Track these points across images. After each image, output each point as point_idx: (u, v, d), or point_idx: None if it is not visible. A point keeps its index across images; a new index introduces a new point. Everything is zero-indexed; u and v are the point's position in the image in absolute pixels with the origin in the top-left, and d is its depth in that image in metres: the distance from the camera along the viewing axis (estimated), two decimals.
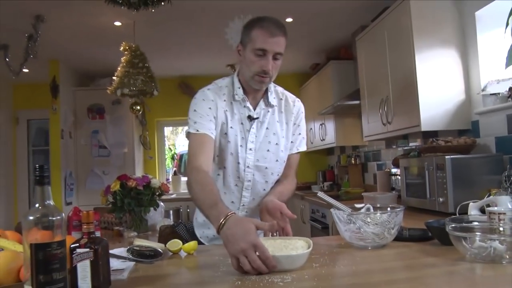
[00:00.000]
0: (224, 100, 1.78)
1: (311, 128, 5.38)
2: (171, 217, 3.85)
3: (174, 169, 6.11)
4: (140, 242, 1.62)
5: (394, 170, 3.19)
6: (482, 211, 1.94)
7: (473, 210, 1.88)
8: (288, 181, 1.94)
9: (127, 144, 5.11)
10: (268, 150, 1.82)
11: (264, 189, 1.84)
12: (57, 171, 4.66)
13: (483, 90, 2.56)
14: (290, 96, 1.95)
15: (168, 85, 5.53)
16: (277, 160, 1.86)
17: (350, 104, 3.80)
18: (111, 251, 1.65)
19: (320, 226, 3.89)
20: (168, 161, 6.16)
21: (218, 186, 1.78)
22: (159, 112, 5.81)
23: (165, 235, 2.58)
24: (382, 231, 1.56)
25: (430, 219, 1.98)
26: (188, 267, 1.47)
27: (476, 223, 1.50)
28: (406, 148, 3.55)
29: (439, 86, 2.68)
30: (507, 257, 1.30)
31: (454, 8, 2.72)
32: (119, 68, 3.56)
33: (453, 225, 1.42)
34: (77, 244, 1.11)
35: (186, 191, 5.56)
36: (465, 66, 2.70)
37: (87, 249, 1.11)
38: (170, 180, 5.87)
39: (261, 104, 1.81)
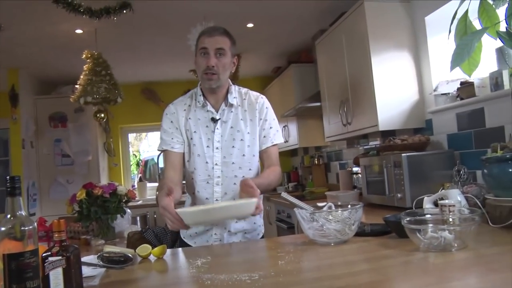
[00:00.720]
0: (184, 110, 1.98)
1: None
2: (138, 223, 3.84)
3: (140, 175, 6.09)
4: (110, 249, 1.65)
5: (355, 169, 3.32)
6: (436, 204, 2.07)
7: (427, 204, 2.00)
8: (270, 169, 2.03)
9: (91, 152, 5.04)
10: (233, 147, 1.96)
11: (235, 183, 1.92)
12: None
13: (434, 90, 2.71)
14: (253, 94, 2.06)
15: (131, 91, 5.50)
16: (243, 155, 1.97)
17: (311, 106, 3.91)
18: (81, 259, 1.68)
19: (286, 226, 3.98)
20: (133, 168, 6.12)
21: (192, 185, 2.02)
22: (122, 118, 5.77)
23: (134, 241, 2.60)
24: (343, 227, 1.65)
25: (389, 215, 2.10)
26: (158, 270, 1.51)
27: (429, 215, 1.61)
28: (366, 147, 3.69)
29: (394, 87, 2.81)
30: (456, 245, 1.41)
31: (406, 13, 2.87)
32: (81, 76, 3.53)
33: (408, 219, 1.53)
34: (49, 253, 1.14)
35: (152, 197, 5.50)
36: (418, 68, 2.85)
37: (59, 257, 1.14)
38: (136, 186, 5.83)
39: (222, 105, 1.97)
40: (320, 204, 1.87)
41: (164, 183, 1.79)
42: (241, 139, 1.97)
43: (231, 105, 1.97)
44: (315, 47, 3.92)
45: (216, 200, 1.95)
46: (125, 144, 5.98)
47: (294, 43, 4.64)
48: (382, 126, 2.78)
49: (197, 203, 1.99)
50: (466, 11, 1.52)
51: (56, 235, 1.17)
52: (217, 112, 1.96)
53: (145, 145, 7.43)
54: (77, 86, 3.55)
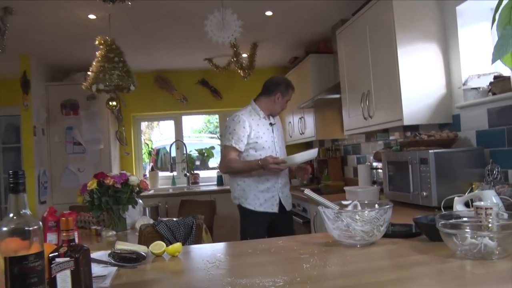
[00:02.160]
0: (252, 119, 2.97)
1: (289, 122, 5.35)
2: (149, 215, 3.76)
3: (151, 164, 6.01)
4: (121, 246, 1.55)
5: (375, 164, 3.19)
6: (467, 205, 1.95)
7: (458, 204, 1.88)
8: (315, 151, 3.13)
9: (102, 140, 4.97)
10: (281, 141, 3.16)
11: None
12: (30, 170, 4.50)
13: (464, 84, 2.57)
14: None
15: (144, 80, 5.41)
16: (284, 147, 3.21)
17: (330, 98, 3.78)
18: (91, 255, 1.58)
19: (301, 221, 3.87)
20: (145, 157, 6.04)
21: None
22: (135, 107, 5.68)
23: (146, 234, 2.52)
24: (372, 229, 1.54)
25: (414, 214, 1.97)
26: (173, 271, 1.41)
27: (465, 218, 1.48)
28: (386, 141, 3.56)
29: (421, 80, 2.67)
30: (497, 253, 1.29)
31: (436, 3, 2.72)
32: (94, 63, 3.43)
33: (443, 222, 1.41)
34: (56, 253, 1.04)
35: (164, 186, 5.46)
36: (446, 61, 2.70)
37: (67, 258, 1.04)
38: (148, 176, 5.76)
39: (271, 118, 3.10)
40: (345, 202, 1.76)
41: (244, 160, 2.92)
42: (281, 137, 3.18)
43: (273, 116, 3.13)
44: (335, 37, 3.78)
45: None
46: (137, 132, 5.90)
47: (313, 33, 4.49)
48: (407, 121, 2.65)
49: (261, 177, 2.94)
50: None
51: (64, 234, 1.07)
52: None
53: (156, 134, 7.34)
54: (89, 73, 3.46)
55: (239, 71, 4.76)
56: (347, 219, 1.54)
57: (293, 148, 5.82)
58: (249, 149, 2.92)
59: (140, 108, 5.76)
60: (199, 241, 2.83)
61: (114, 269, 1.40)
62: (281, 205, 2.98)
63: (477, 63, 2.57)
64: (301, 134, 4.88)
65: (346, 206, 1.75)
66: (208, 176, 5.95)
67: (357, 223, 1.55)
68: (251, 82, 5.42)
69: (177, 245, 1.59)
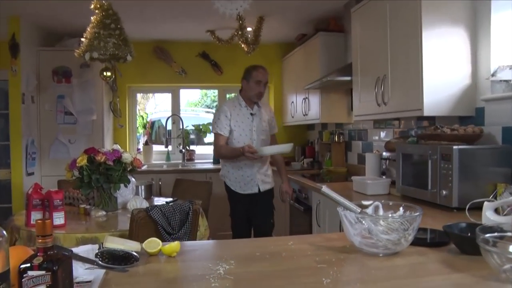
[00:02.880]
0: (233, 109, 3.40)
1: (292, 102, 5.12)
2: (142, 193, 3.56)
3: (146, 137, 5.78)
4: (111, 243, 1.35)
5: (385, 154, 2.99)
6: (497, 211, 1.76)
7: (488, 210, 1.69)
8: (279, 158, 3.66)
9: (95, 111, 4.71)
10: (262, 130, 3.46)
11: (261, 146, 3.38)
12: (18, 139, 4.26)
13: (492, 75, 2.35)
14: (265, 103, 3.67)
15: (142, 49, 5.13)
16: (266, 136, 3.50)
17: (340, 80, 3.55)
18: (75, 250, 1.38)
19: (302, 208, 3.70)
20: (139, 129, 5.80)
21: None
22: (131, 77, 5.41)
23: (138, 219, 2.32)
24: (399, 238, 1.34)
25: (433, 214, 1.78)
26: (170, 278, 1.21)
27: (510, 234, 1.29)
28: (399, 130, 3.35)
29: (445, 68, 2.44)
30: None
31: None
32: (88, 29, 3.16)
33: (484, 237, 1.21)
34: (29, 264, 0.84)
35: (159, 162, 5.25)
36: (474, 48, 2.47)
37: (43, 272, 0.84)
38: (141, 150, 5.54)
39: (255, 107, 3.45)
40: (365, 203, 1.56)
41: (233, 147, 3.31)
42: (264, 126, 3.48)
43: (259, 106, 3.47)
44: (349, 15, 3.53)
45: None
46: (132, 104, 5.65)
47: (324, 10, 4.22)
48: (428, 111, 2.43)
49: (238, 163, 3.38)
50: None
51: (40, 240, 0.87)
52: (252, 109, 3.43)
53: (151, 105, 7.08)
54: (83, 39, 3.19)
55: (243, 45, 4.50)
56: (371, 225, 1.34)
57: (294, 129, 5.63)
58: (229, 136, 3.37)
59: (136, 79, 5.49)
60: (195, 227, 2.64)
61: (101, 272, 1.20)
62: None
63: (510, 53, 2.35)
64: (304, 115, 4.67)
65: (367, 206, 1.56)
66: (204, 153, 5.74)
67: (378, 226, 1.36)
68: (254, 57, 5.16)
69: (175, 245, 1.38)
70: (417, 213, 1.37)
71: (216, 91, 5.97)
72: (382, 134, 3.66)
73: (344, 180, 3.71)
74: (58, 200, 2.55)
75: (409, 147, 2.45)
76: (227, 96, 5.90)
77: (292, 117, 5.15)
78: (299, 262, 1.32)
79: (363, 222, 1.35)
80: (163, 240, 2.38)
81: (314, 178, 3.85)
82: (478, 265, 1.26)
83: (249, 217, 3.47)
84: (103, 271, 1.21)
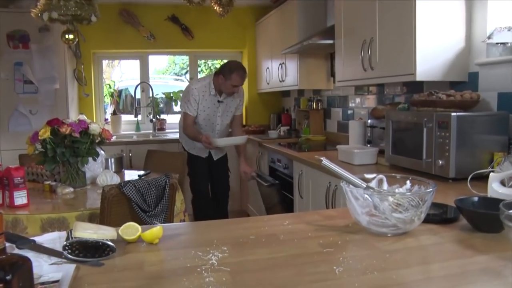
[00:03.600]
0: (203, 94, 3.47)
1: (267, 68, 4.90)
2: (113, 166, 3.32)
3: (113, 107, 5.46)
4: (81, 232, 1.15)
5: (370, 122, 2.86)
6: (503, 183, 1.64)
7: (494, 182, 1.57)
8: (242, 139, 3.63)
9: (58, 79, 4.35)
10: (226, 116, 3.62)
11: (224, 128, 3.68)
12: None
13: (488, 38, 2.21)
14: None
15: (107, 12, 4.74)
16: (228, 119, 3.66)
17: (321, 44, 3.35)
18: (38, 239, 1.18)
19: (281, 182, 3.56)
20: (106, 99, 5.47)
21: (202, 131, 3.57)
22: (96, 43, 5.04)
23: (110, 197, 2.11)
24: (412, 217, 1.20)
25: (461, 196, 1.65)
26: (155, 272, 1.03)
27: None
28: (384, 97, 3.21)
29: (438, 30, 2.27)
30: None
31: None
32: None
33: (509, 214, 1.08)
34: None
35: (128, 132, 5.01)
36: (469, 9, 2.31)
37: None
38: (109, 120, 5.24)
39: (224, 95, 3.50)
40: (368, 176, 1.40)
41: (198, 132, 3.49)
42: (229, 112, 3.64)
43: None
44: None
45: (217, 133, 3.64)
46: (98, 71, 5.29)
47: None
48: (421, 76, 2.28)
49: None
50: None
51: None
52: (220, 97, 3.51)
53: (117, 73, 6.70)
54: None
55: (215, 7, 4.21)
56: (380, 202, 1.19)
57: (269, 96, 5.43)
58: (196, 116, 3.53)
59: (102, 45, 5.13)
60: (172, 203, 2.46)
61: (71, 268, 1.00)
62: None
63: (507, 14, 2.21)
64: (280, 81, 4.47)
65: (369, 180, 1.40)
66: (175, 122, 5.47)
67: (384, 203, 1.21)
68: (226, 22, 4.92)
69: (157, 230, 1.20)
70: (430, 189, 1.23)
71: (186, 57, 5.66)
72: (364, 101, 3.52)
73: (323, 149, 3.57)
74: (19, 178, 2.30)
75: (401, 114, 2.31)
76: (198, 62, 5.63)
77: (268, 83, 4.94)
78: (302, 247, 1.16)
79: (371, 199, 1.20)
80: (138, 218, 2.19)
81: (291, 146, 3.69)
82: (498, 245, 1.14)
83: (207, 177, 3.74)
84: (73, 266, 1.02)
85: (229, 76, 3.34)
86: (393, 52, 2.48)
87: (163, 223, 2.25)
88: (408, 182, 1.37)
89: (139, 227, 1.22)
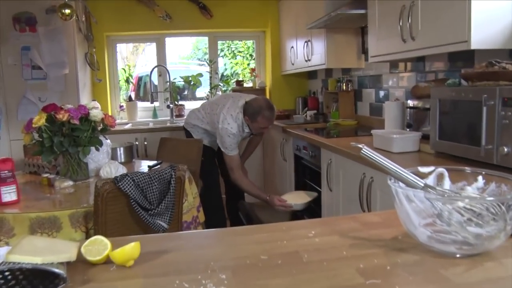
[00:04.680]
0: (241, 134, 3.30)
1: (292, 47, 4.50)
2: (122, 157, 3.03)
3: (132, 93, 5.19)
4: (19, 255, 0.81)
5: (411, 102, 2.46)
6: None
7: None
8: (257, 143, 3.91)
9: (68, 64, 4.09)
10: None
11: None
12: None
13: None
14: None
15: None
16: None
17: (352, 14, 2.93)
18: None
19: (309, 171, 3.20)
20: (122, 84, 5.18)
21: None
22: (109, 25, 4.74)
23: (104, 193, 1.79)
24: (498, 231, 0.82)
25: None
26: None
27: None
28: (425, 73, 2.78)
29: None
30: None
31: None
32: None
33: None
34: None
35: (144, 119, 4.69)
36: None
37: None
38: (124, 107, 4.96)
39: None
40: (423, 170, 1.03)
41: (257, 190, 3.36)
42: None
43: None
44: None
45: None
46: (112, 56, 5.00)
47: None
48: (476, 43, 1.86)
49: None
50: None
51: None
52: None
53: (142, 60, 6.41)
54: None
55: None
56: (453, 213, 0.82)
57: (294, 78, 5.03)
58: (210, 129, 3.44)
59: (115, 27, 4.83)
60: (180, 198, 2.13)
61: None
62: None
63: None
64: (306, 61, 4.07)
65: (425, 175, 1.03)
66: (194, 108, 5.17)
67: (458, 215, 0.84)
68: None
69: (131, 248, 0.86)
70: None
71: (206, 39, 5.31)
72: (401, 79, 3.10)
73: (354, 134, 3.19)
74: (6, 172, 2.03)
75: (452, 91, 1.90)
76: (219, 43, 5.28)
77: (292, 64, 4.55)
78: (334, 275, 0.80)
79: (443, 207, 0.83)
80: (139, 218, 1.88)
81: (318, 132, 3.31)
82: None
83: (218, 165, 3.60)
84: None
85: (255, 120, 3.13)
86: (440, 17, 2.05)
87: (169, 223, 1.93)
88: (480, 178, 1.00)
89: (108, 243, 0.89)
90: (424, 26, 2.19)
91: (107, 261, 0.87)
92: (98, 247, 0.88)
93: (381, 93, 3.41)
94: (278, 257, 0.89)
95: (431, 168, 1.03)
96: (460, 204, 0.86)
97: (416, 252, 0.89)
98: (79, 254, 0.87)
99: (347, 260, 0.87)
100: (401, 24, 2.35)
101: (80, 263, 0.85)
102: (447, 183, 1.03)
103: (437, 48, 2.11)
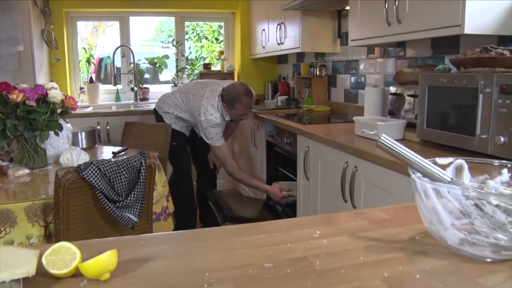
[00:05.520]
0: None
1: (263, 30, 4.34)
2: (83, 142, 2.80)
3: (93, 75, 4.88)
4: None
5: (392, 89, 2.36)
6: None
7: None
8: (233, 129, 3.84)
9: (22, 40, 3.77)
10: None
11: None
12: None
13: None
14: None
15: None
16: None
17: None
18: None
19: (281, 159, 3.08)
20: (83, 65, 4.87)
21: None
22: (68, 0, 4.42)
23: (66, 184, 1.59)
24: None
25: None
26: None
27: None
28: (406, 58, 2.70)
29: None
30: None
31: None
32: None
33: None
34: None
35: (107, 103, 4.40)
36: None
37: None
38: (85, 89, 4.66)
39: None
40: (440, 160, 0.91)
41: (254, 181, 3.20)
42: None
43: None
44: None
45: None
46: (72, 34, 4.67)
47: None
48: (470, 27, 1.77)
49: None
50: None
51: None
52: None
53: (102, 41, 6.05)
54: None
55: None
56: (498, 214, 0.70)
57: (264, 62, 4.87)
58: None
59: (75, 3, 4.50)
60: (151, 187, 1.95)
61: None
62: None
63: None
64: (279, 44, 3.92)
65: (443, 167, 0.91)
66: (159, 92, 4.91)
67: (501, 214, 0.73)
68: None
69: (106, 258, 0.70)
70: None
71: (172, 19, 5.04)
72: (380, 65, 3.00)
73: (327, 121, 3.08)
74: None
75: (443, 78, 1.80)
76: (186, 24, 5.04)
77: (263, 47, 4.39)
78: (358, 287, 0.67)
79: (485, 206, 0.71)
80: (105, 211, 1.69)
81: (290, 118, 3.19)
82: None
83: (190, 152, 3.47)
84: None
85: (233, 107, 3.00)
86: (429, 0, 1.95)
87: (139, 216, 1.75)
88: (505, 171, 0.89)
89: (77, 252, 0.72)
90: (412, 9, 2.08)
91: (76, 274, 0.70)
92: (64, 256, 0.71)
93: (357, 79, 3.31)
94: (285, 264, 0.75)
95: (450, 160, 0.92)
96: (493, 201, 0.74)
97: (443, 256, 0.78)
98: (39, 265, 0.69)
99: (367, 267, 0.74)
100: (386, 6, 2.23)
101: (41, 278, 0.68)
102: (466, 177, 0.91)
103: (425, 32, 2.02)
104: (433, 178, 0.80)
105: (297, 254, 0.79)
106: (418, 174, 0.80)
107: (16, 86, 2.20)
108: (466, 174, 0.91)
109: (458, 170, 0.92)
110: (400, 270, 0.72)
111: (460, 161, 0.92)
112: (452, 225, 0.74)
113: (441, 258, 0.77)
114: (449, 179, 0.80)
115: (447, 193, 0.73)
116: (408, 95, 2.22)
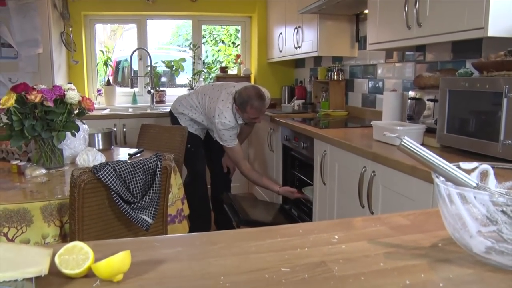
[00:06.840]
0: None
1: (280, 33, 4.32)
2: (99, 143, 2.82)
3: (110, 77, 4.93)
4: None
5: (412, 93, 2.32)
6: None
7: None
8: (248, 133, 3.80)
9: (41, 43, 3.82)
10: None
11: None
12: None
13: None
14: None
15: None
16: None
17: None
18: None
19: (297, 163, 3.05)
20: (100, 68, 4.91)
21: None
22: (87, 4, 4.46)
23: (81, 184, 1.59)
24: None
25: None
26: None
27: None
28: (426, 62, 2.65)
29: None
30: None
31: None
32: None
33: None
34: None
35: (123, 105, 4.41)
36: None
37: None
38: (102, 91, 4.70)
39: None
40: (465, 165, 0.88)
41: (266, 181, 3.24)
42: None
43: None
44: None
45: None
46: (90, 37, 4.73)
47: None
48: (494, 30, 1.73)
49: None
50: None
51: None
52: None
53: (120, 45, 6.11)
54: None
55: None
56: None
57: (281, 66, 4.86)
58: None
59: (94, 6, 4.55)
60: (166, 189, 1.95)
61: None
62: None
63: None
64: (296, 48, 3.90)
65: (468, 172, 0.88)
66: (176, 94, 4.92)
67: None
68: None
69: (119, 259, 0.68)
70: None
71: (189, 23, 5.07)
72: (399, 69, 2.96)
73: (344, 126, 3.04)
74: None
75: (465, 82, 1.76)
76: (202, 28, 5.05)
77: (280, 51, 4.37)
78: None
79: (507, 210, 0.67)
80: (120, 212, 1.69)
81: (307, 122, 3.16)
82: None
83: (205, 155, 3.46)
84: None
85: (244, 110, 3.00)
86: (451, 2, 1.91)
87: (154, 217, 1.74)
88: None
89: (90, 252, 0.70)
90: (432, 12, 2.04)
91: (89, 274, 0.69)
92: (77, 256, 0.70)
93: (375, 84, 3.27)
94: (302, 269, 0.72)
95: (475, 164, 0.88)
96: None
97: (467, 265, 0.74)
98: (52, 264, 0.68)
99: (387, 274, 0.71)
100: (406, 9, 2.20)
101: (54, 277, 0.67)
102: (492, 182, 0.88)
103: (446, 36, 1.97)
104: (457, 183, 0.77)
105: (315, 259, 0.76)
106: (442, 179, 0.77)
107: (34, 87, 2.21)
108: (492, 179, 0.88)
109: (483, 175, 0.88)
110: (423, 278, 0.69)
111: (486, 166, 0.88)
112: (478, 232, 0.71)
113: (465, 267, 0.74)
114: (475, 184, 0.77)
115: (473, 198, 0.70)
116: (428, 100, 2.18)
